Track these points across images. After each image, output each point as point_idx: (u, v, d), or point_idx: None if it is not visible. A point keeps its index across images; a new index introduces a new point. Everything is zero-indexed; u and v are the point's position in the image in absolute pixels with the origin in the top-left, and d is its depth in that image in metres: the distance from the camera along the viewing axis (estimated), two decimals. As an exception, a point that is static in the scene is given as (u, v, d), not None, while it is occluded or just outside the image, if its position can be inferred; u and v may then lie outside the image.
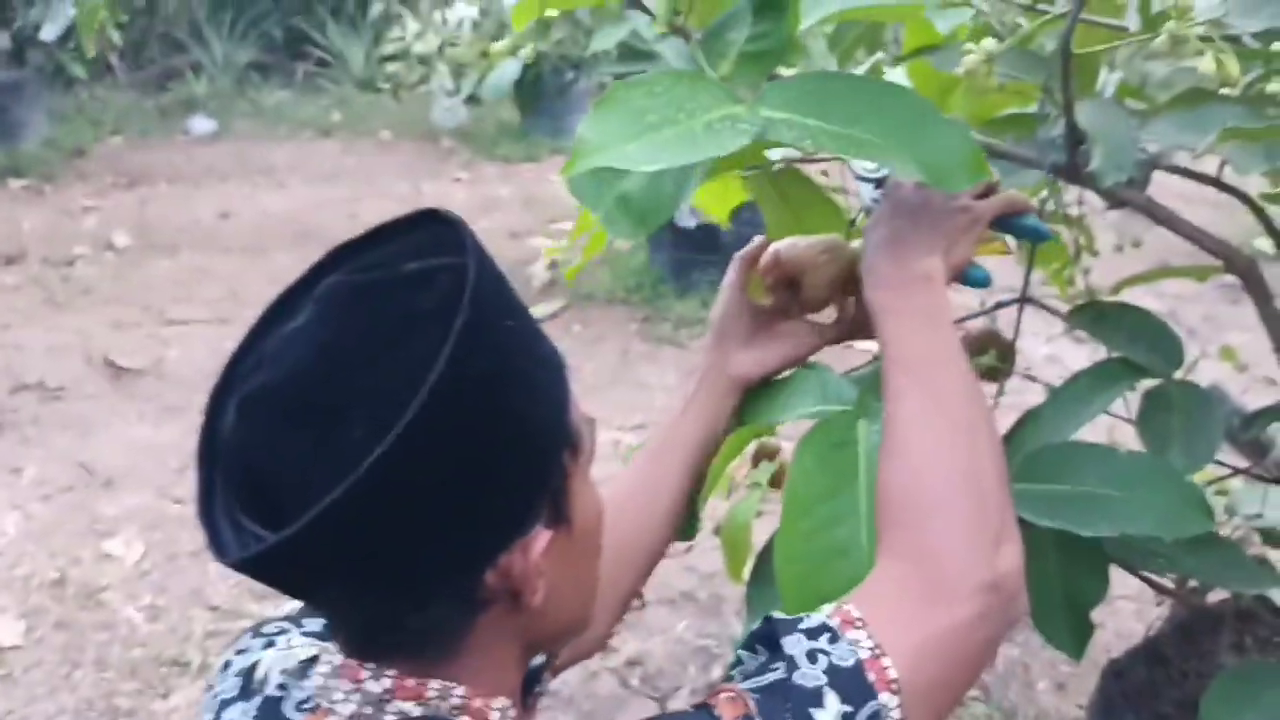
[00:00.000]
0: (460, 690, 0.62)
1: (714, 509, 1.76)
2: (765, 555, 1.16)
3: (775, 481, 1.36)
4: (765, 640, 0.64)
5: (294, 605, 0.74)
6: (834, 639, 0.63)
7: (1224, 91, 1.04)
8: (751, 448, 1.34)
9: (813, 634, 0.63)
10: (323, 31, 7.28)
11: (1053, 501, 1.01)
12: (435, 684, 0.62)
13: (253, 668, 0.69)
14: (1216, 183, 1.13)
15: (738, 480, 1.40)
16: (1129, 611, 2.17)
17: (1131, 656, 1.50)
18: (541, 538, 0.62)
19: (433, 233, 0.63)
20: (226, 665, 0.72)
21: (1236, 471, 1.25)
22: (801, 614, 0.65)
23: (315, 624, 0.73)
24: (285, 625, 0.73)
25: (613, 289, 3.99)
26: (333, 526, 0.55)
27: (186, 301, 3.94)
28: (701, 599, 2.34)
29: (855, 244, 1.06)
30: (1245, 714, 1.06)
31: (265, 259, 4.25)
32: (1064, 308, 1.24)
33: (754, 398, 1.01)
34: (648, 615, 2.27)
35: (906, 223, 0.85)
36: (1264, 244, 1.20)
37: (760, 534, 1.25)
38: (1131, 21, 1.06)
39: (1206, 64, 0.87)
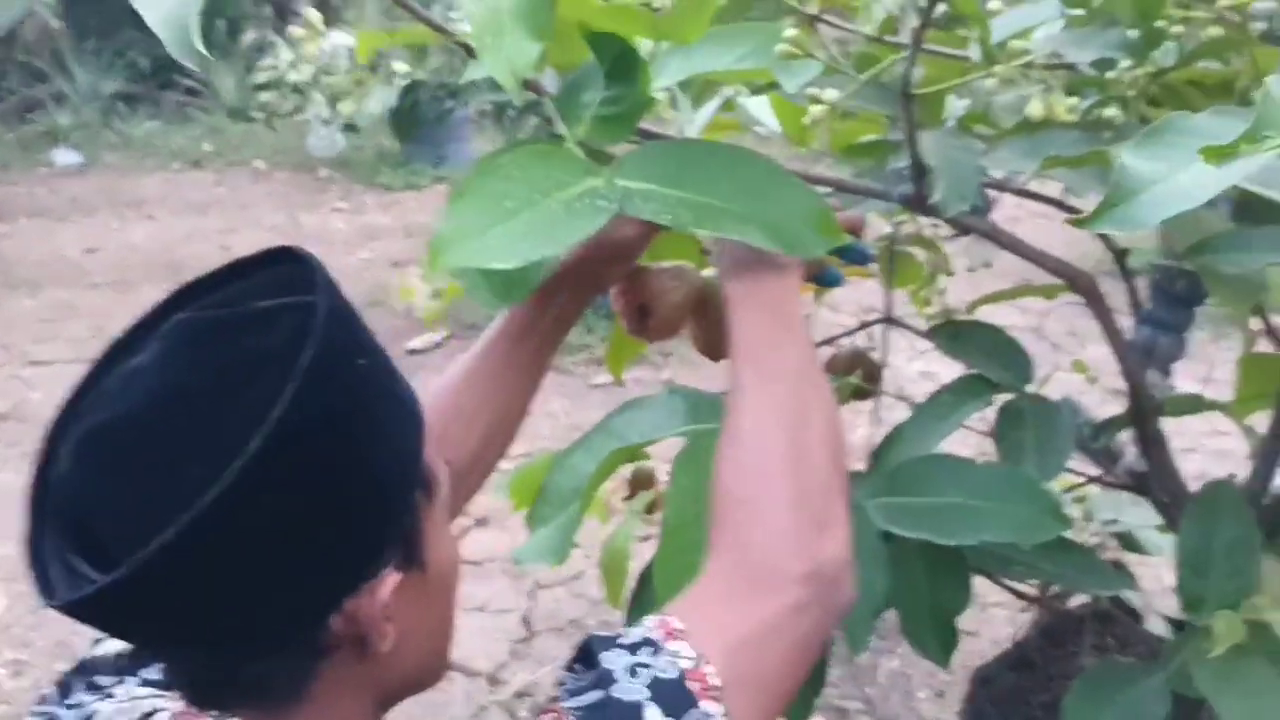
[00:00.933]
0: None
1: (596, 536, 1.76)
2: (645, 579, 1.17)
3: (652, 507, 1.37)
4: (586, 659, 0.63)
5: (119, 646, 0.71)
6: (655, 651, 0.62)
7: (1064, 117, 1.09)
8: (627, 472, 1.35)
9: (634, 649, 0.62)
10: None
11: (916, 513, 1.04)
12: None
13: None
14: (1059, 204, 1.19)
15: (615, 506, 1.41)
16: (1002, 618, 2.24)
17: (999, 663, 1.55)
18: (390, 580, 0.60)
19: (286, 270, 0.61)
20: None
21: (1090, 479, 1.31)
22: (622, 629, 0.65)
23: (154, 671, 0.70)
24: (120, 675, 0.70)
25: (491, 314, 3.96)
26: (165, 569, 0.53)
27: (50, 340, 3.80)
28: (590, 625, 2.33)
29: (705, 273, 1.10)
30: (1104, 713, 1.11)
31: (134, 294, 4.13)
32: (926, 326, 1.29)
33: (626, 419, 1.03)
34: (536, 645, 2.26)
35: None
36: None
37: (640, 560, 1.26)
38: (974, 53, 1.10)
39: (1034, 108, 0.91)
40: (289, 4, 7.43)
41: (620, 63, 0.89)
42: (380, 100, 4.67)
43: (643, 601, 1.16)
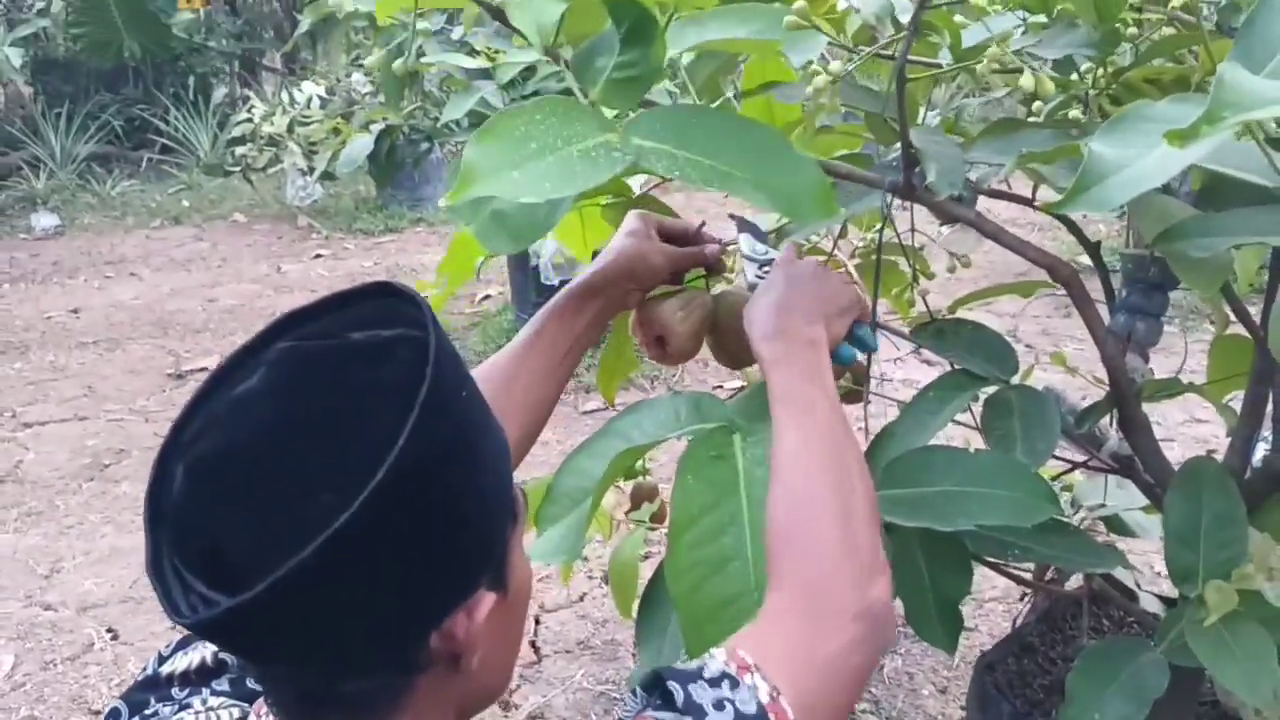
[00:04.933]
0: None
1: (600, 556, 1.79)
2: (652, 587, 1.20)
3: (656, 517, 1.40)
4: (665, 691, 0.65)
5: (187, 663, 0.73)
6: (734, 685, 0.65)
7: (1031, 120, 1.14)
8: (629, 488, 1.39)
9: (714, 683, 0.65)
10: (165, 119, 7.16)
11: (914, 503, 1.08)
12: None
13: None
14: (1028, 202, 1.24)
15: (619, 519, 1.45)
16: (999, 612, 2.28)
17: (1001, 649, 1.58)
18: (486, 601, 0.63)
19: (382, 304, 0.64)
20: None
21: (1075, 465, 1.35)
22: (696, 663, 0.67)
23: (224, 683, 0.72)
24: (191, 685, 0.72)
25: (485, 350, 4.02)
26: (293, 591, 0.55)
27: (41, 402, 3.81)
28: (597, 646, 2.36)
29: (715, 291, 1.16)
30: (1107, 688, 1.14)
31: (122, 351, 4.14)
32: (908, 330, 1.33)
33: (631, 421, 1.07)
34: (545, 667, 2.28)
35: (795, 292, 0.97)
36: (1084, 260, 1.31)
37: (646, 573, 1.29)
38: (945, 60, 1.16)
39: (1026, 80, 0.97)
40: (258, 60, 7.50)
41: (637, 27, 0.91)
42: (361, 146, 4.73)
43: (650, 609, 1.19)
